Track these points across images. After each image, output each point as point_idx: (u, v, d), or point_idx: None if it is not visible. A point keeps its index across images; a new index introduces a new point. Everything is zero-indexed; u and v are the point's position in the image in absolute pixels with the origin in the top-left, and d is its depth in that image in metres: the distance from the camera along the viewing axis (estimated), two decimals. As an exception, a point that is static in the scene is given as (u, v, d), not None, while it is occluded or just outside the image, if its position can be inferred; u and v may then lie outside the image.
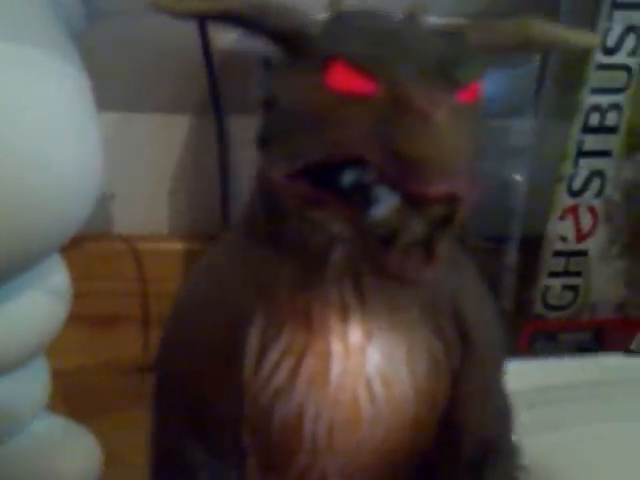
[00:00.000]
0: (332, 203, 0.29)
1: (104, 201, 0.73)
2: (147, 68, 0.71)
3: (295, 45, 0.31)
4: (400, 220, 0.28)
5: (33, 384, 0.55)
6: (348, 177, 0.29)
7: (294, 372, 0.33)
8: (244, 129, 0.70)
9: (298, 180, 0.30)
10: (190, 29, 0.66)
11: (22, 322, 0.50)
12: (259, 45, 0.32)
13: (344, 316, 0.33)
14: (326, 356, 0.33)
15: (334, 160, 0.28)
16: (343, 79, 0.28)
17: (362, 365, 0.33)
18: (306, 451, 0.34)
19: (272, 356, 0.33)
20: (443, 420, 0.35)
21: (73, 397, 0.60)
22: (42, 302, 0.52)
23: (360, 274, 0.32)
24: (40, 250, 0.46)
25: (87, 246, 0.72)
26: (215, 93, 0.58)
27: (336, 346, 0.33)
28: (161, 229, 0.77)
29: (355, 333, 0.33)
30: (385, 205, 0.28)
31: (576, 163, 0.65)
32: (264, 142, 0.32)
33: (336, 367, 0.33)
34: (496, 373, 0.37)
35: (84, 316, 0.70)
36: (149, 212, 0.76)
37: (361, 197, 0.28)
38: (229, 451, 0.35)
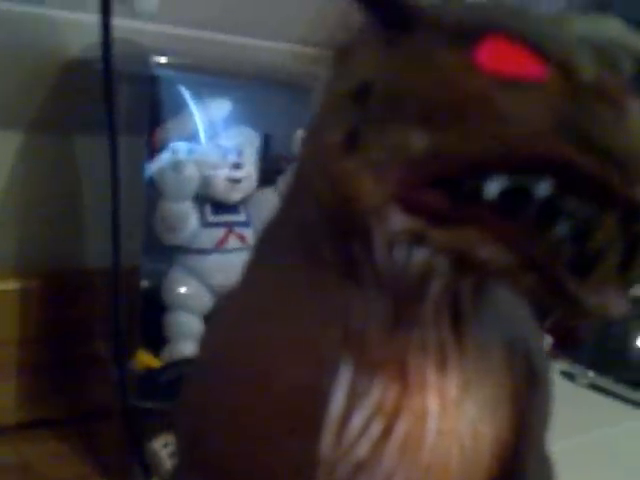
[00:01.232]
0: (485, 220, 0.23)
1: None
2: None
3: (413, 17, 0.24)
4: (604, 238, 0.22)
5: None
6: (494, 187, 0.23)
7: (384, 438, 0.26)
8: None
9: (421, 191, 0.24)
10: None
11: None
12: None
13: (442, 364, 0.27)
14: (422, 416, 0.27)
15: (504, 163, 0.22)
16: (504, 59, 0.22)
17: (457, 422, 0.27)
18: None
19: (358, 419, 0.26)
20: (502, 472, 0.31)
21: None
22: None
23: (460, 311, 0.27)
24: None
25: None
26: (111, 111, 0.49)
27: (433, 402, 0.27)
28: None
29: (453, 385, 0.27)
30: (574, 221, 0.22)
31: None
32: (349, 143, 0.25)
33: (432, 428, 0.27)
34: (549, 416, 0.33)
35: None
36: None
37: (530, 211, 0.23)
38: None
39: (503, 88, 0.22)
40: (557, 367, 0.77)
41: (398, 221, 0.24)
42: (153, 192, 0.61)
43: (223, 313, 0.30)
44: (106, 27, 0.48)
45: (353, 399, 0.26)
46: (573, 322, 0.26)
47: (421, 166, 0.23)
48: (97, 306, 0.63)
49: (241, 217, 0.65)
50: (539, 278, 0.23)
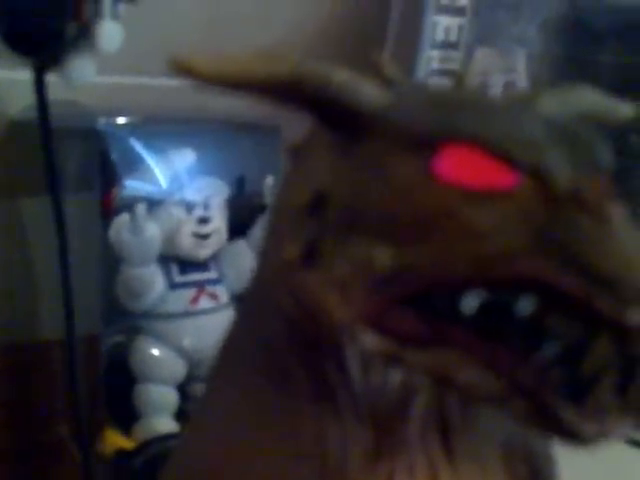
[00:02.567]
0: (463, 340, 0.21)
1: None
2: None
3: (365, 123, 0.22)
4: (596, 361, 0.20)
5: None
6: (472, 301, 0.20)
7: None
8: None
9: (392, 310, 0.21)
10: None
11: None
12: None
13: None
14: None
15: (477, 281, 0.20)
16: (467, 168, 0.20)
17: None
18: None
19: None
20: None
21: None
22: None
23: (449, 425, 0.23)
24: None
25: None
26: (52, 173, 0.45)
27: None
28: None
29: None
30: (562, 341, 0.20)
31: None
32: (308, 256, 0.22)
33: None
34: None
35: None
36: None
37: (513, 329, 0.20)
38: None
39: (469, 201, 0.20)
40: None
41: (369, 342, 0.22)
42: (111, 255, 0.55)
43: (186, 444, 0.26)
44: (40, 85, 0.44)
45: None
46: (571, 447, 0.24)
47: (388, 283, 0.21)
48: (57, 383, 0.57)
49: (212, 274, 0.60)
50: (528, 405, 0.20)
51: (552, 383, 0.20)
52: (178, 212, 0.57)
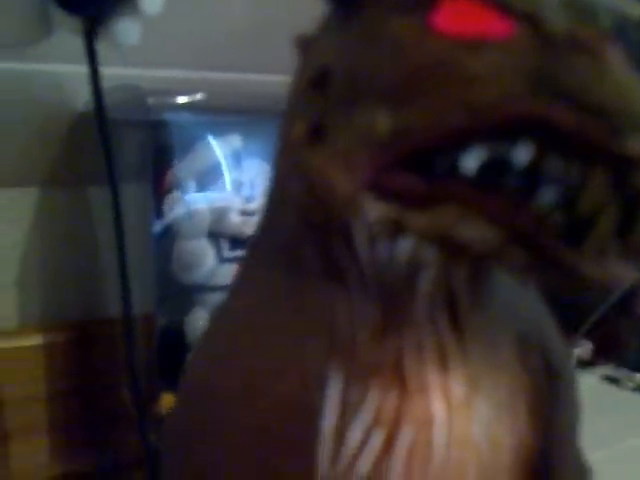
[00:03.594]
0: (463, 196, 0.21)
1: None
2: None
3: None
4: (593, 199, 0.20)
5: None
6: (471, 161, 0.21)
7: (387, 450, 0.24)
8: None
9: (394, 174, 0.22)
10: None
11: None
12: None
13: (443, 364, 0.25)
14: (427, 422, 0.25)
15: (476, 130, 0.20)
16: (464, 18, 0.21)
17: (469, 426, 0.25)
18: None
19: (356, 432, 0.24)
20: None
21: None
22: None
23: (457, 305, 0.24)
24: None
25: None
26: (110, 160, 0.49)
27: (437, 406, 0.25)
28: (8, 323, 0.63)
29: (457, 386, 0.25)
30: (560, 186, 0.20)
31: None
32: (315, 134, 0.23)
33: (440, 435, 0.25)
34: (577, 418, 0.31)
35: None
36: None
37: (511, 181, 0.21)
38: None
39: (466, 50, 0.20)
40: (600, 372, 0.74)
41: (373, 209, 0.22)
42: (166, 236, 0.60)
43: (209, 329, 0.29)
44: (95, 73, 0.48)
45: (347, 411, 0.24)
46: (576, 295, 0.24)
47: (390, 147, 0.21)
48: (119, 355, 0.62)
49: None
50: (529, 252, 0.21)
51: (551, 228, 0.20)
52: (226, 191, 0.61)
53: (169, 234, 0.60)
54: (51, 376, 0.63)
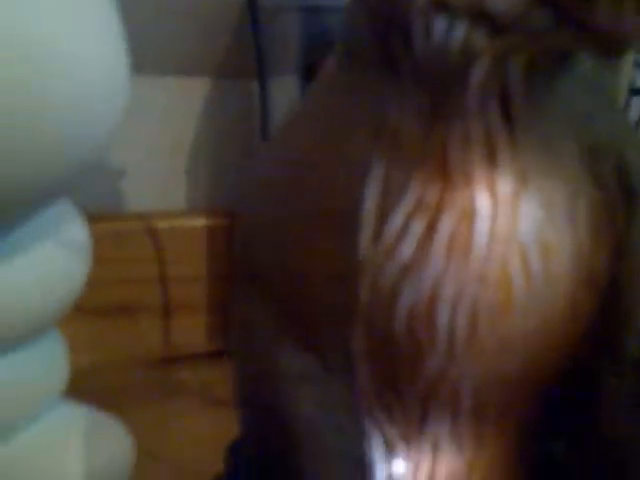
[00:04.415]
0: None
1: (115, 174, 0.65)
2: (163, 27, 0.64)
3: None
4: None
5: (47, 364, 0.46)
6: None
7: (428, 236, 0.25)
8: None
9: None
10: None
11: (33, 282, 0.42)
12: None
13: (491, 156, 0.25)
14: (469, 213, 0.25)
15: None
16: None
17: (515, 223, 0.25)
18: (438, 353, 0.26)
19: (397, 217, 0.25)
20: (602, 309, 0.27)
21: (88, 397, 0.50)
22: (57, 258, 0.43)
23: (511, 100, 0.24)
24: (63, 173, 0.38)
25: (96, 227, 0.64)
26: (260, 54, 0.52)
27: (481, 198, 0.25)
28: (179, 204, 0.69)
29: (505, 180, 0.25)
30: None
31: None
32: None
33: (482, 228, 0.25)
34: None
35: (94, 307, 0.62)
36: (165, 186, 0.68)
37: None
38: (336, 358, 0.27)
39: None
40: None
41: None
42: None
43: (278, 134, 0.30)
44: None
45: (389, 195, 0.25)
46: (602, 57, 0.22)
47: None
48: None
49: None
50: (553, 13, 0.21)
51: None
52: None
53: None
54: (212, 259, 0.68)
